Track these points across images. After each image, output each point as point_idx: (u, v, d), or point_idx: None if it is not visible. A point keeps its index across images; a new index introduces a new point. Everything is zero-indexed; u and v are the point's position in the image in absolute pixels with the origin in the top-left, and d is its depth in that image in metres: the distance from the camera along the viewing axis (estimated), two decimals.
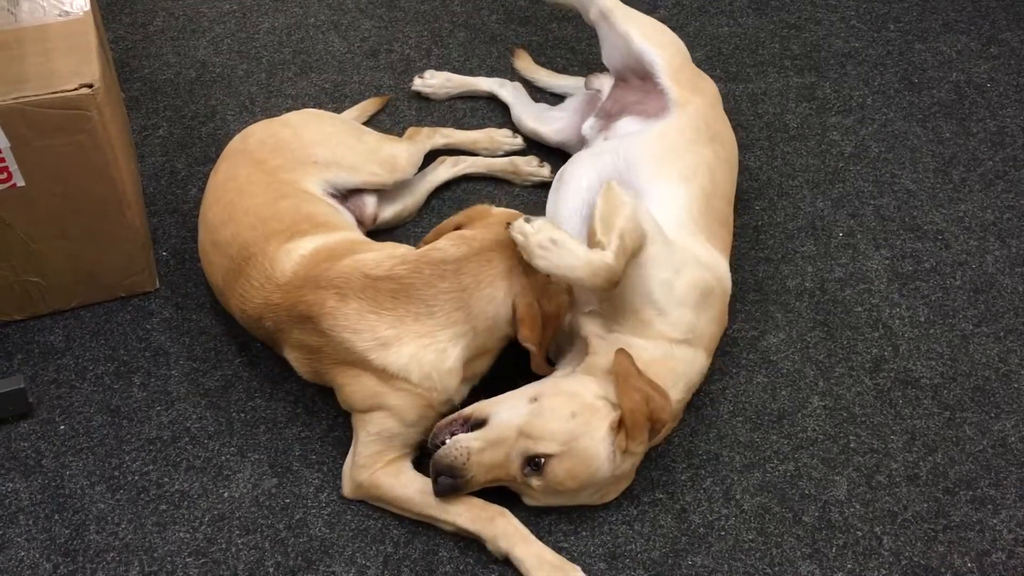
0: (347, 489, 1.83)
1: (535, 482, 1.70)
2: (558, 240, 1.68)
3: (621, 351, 1.74)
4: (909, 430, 1.97)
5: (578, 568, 1.73)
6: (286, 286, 1.81)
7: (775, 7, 2.94)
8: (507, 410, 1.73)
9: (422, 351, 1.73)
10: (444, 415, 1.77)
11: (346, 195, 2.12)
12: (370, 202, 2.17)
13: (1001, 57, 2.80)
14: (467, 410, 1.76)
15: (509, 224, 1.74)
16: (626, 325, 1.82)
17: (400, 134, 2.39)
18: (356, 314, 1.74)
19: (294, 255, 1.84)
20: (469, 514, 1.75)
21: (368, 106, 2.54)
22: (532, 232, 1.69)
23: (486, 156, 2.44)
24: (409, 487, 1.78)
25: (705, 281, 1.86)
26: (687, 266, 1.84)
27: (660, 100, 2.16)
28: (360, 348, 1.73)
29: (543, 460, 1.68)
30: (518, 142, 2.47)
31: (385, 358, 1.73)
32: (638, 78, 2.24)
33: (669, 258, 1.82)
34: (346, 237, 1.91)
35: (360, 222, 2.13)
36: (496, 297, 1.74)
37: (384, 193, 2.22)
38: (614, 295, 1.79)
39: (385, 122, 2.55)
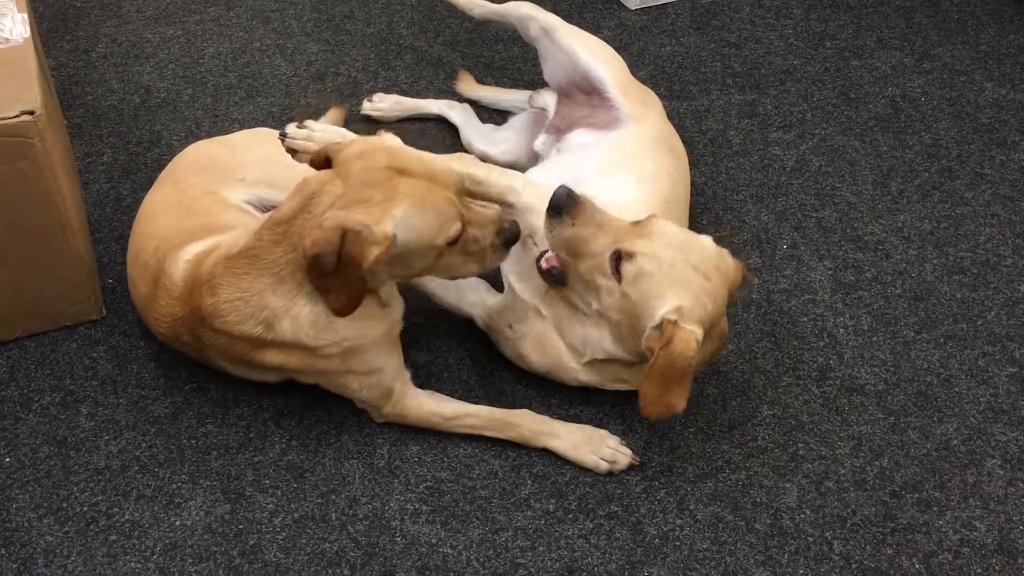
0: (377, 418, 1.95)
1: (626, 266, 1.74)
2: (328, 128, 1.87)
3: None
4: (855, 436, 2.01)
5: (606, 434, 1.92)
6: (180, 296, 1.81)
7: (716, 27, 3.01)
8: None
9: (295, 320, 1.73)
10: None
11: None
12: None
13: (934, 72, 2.90)
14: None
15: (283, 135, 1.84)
16: None
17: None
18: (230, 306, 1.73)
19: (180, 263, 1.82)
20: (492, 423, 1.92)
21: (333, 116, 2.52)
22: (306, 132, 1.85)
23: None
24: (433, 416, 1.92)
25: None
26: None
27: (610, 112, 2.19)
28: (256, 334, 1.74)
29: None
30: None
31: (280, 335, 1.74)
32: (583, 93, 2.27)
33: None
34: (232, 234, 1.83)
35: None
36: None
37: None
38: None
39: None
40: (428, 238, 1.69)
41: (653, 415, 1.75)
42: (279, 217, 1.70)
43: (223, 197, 1.99)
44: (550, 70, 2.34)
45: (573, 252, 1.78)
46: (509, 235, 1.80)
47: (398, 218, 1.64)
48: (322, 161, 1.75)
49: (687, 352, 1.67)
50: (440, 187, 1.71)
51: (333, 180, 1.68)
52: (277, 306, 1.72)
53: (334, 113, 2.54)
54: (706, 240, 1.79)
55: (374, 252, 1.62)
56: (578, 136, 2.22)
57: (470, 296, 2.05)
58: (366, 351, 1.82)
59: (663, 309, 1.71)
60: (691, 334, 1.69)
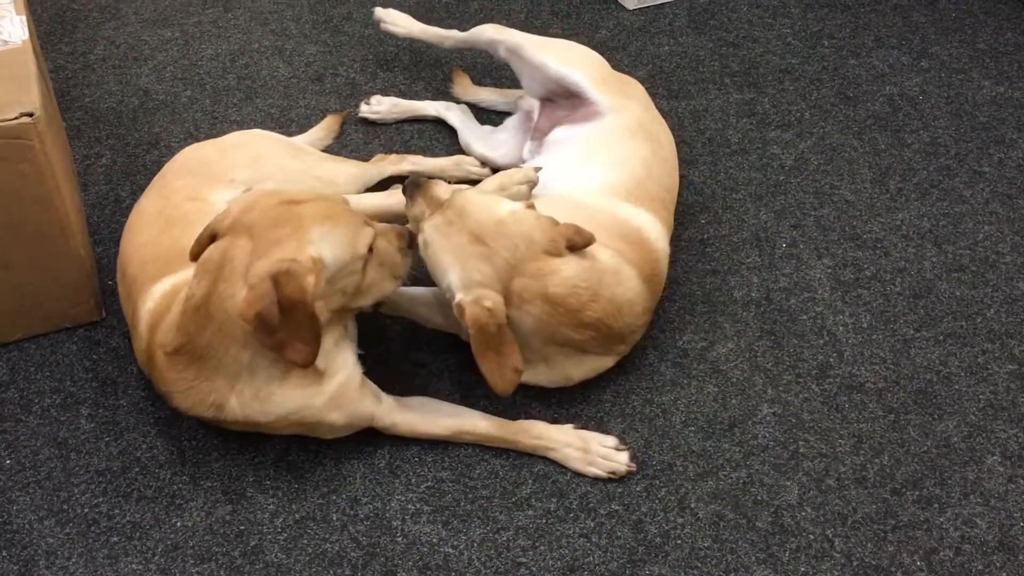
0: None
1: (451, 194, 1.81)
2: None
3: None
4: (856, 434, 2.01)
5: (604, 437, 1.91)
6: (144, 347, 1.79)
7: (713, 26, 3.01)
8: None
9: (241, 398, 1.71)
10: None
11: None
12: None
13: (932, 70, 2.90)
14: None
15: None
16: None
17: (348, 157, 2.39)
18: (179, 394, 1.73)
19: (150, 302, 1.79)
20: (489, 439, 1.91)
21: (331, 124, 2.52)
22: None
23: (455, 183, 2.44)
24: (426, 435, 1.91)
25: (585, 208, 1.95)
26: (554, 204, 1.92)
27: (590, 109, 2.21)
28: (210, 415, 1.74)
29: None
30: (486, 171, 2.45)
31: (232, 415, 1.72)
32: (563, 98, 2.28)
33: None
34: (188, 276, 1.74)
35: None
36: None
37: None
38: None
39: (332, 146, 2.55)
40: (350, 249, 1.67)
41: (506, 389, 1.77)
42: (194, 303, 1.64)
43: (208, 201, 1.96)
44: (527, 85, 2.37)
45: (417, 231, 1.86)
46: (409, 237, 1.83)
47: (317, 239, 1.62)
48: (207, 241, 1.68)
49: (482, 317, 1.71)
50: (336, 204, 1.71)
51: (234, 241, 1.62)
52: (222, 388, 1.70)
53: (331, 121, 2.54)
54: (498, 205, 1.78)
55: (311, 281, 1.58)
56: (557, 133, 2.23)
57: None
58: (321, 417, 1.78)
59: (445, 281, 1.78)
60: (473, 302, 1.72)
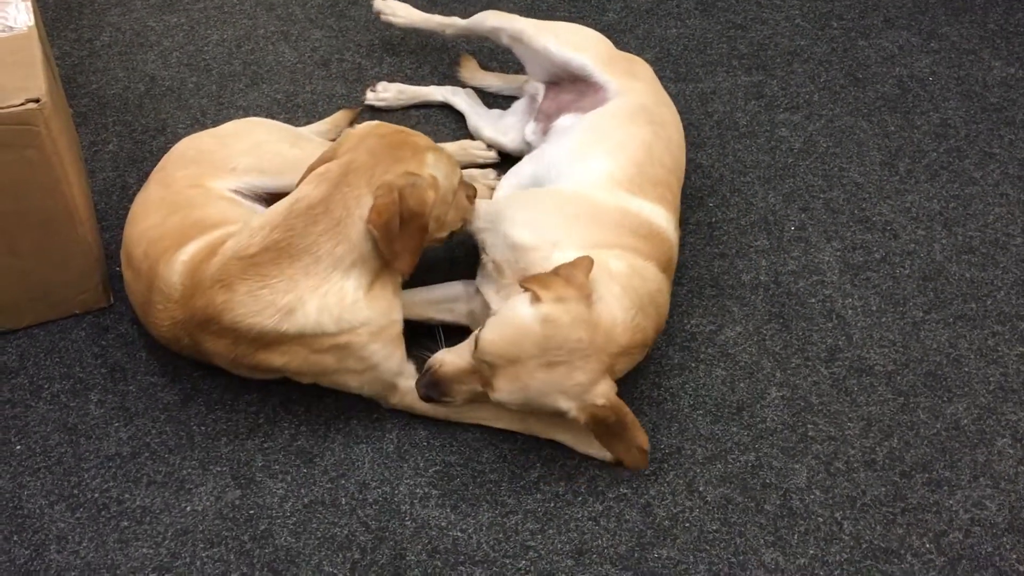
0: (385, 405, 1.95)
1: (478, 363, 1.69)
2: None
3: (524, 281, 1.75)
4: (865, 417, 2.01)
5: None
6: (180, 300, 1.80)
7: (721, 8, 2.99)
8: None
9: (324, 299, 1.74)
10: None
11: (270, 200, 2.05)
12: None
13: (942, 51, 2.87)
14: None
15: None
16: (531, 266, 1.85)
17: None
18: (249, 297, 1.73)
19: (177, 266, 1.81)
20: (500, 416, 1.91)
21: (339, 119, 2.51)
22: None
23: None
24: (439, 409, 1.90)
25: (590, 209, 1.91)
26: (557, 202, 1.93)
27: (599, 94, 2.19)
28: (270, 326, 1.74)
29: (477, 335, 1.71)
30: (492, 155, 2.44)
31: (297, 323, 1.74)
32: (569, 81, 2.26)
33: (517, 204, 1.95)
34: (225, 231, 1.84)
35: None
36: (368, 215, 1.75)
37: None
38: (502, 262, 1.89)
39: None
40: (451, 179, 1.86)
41: (638, 466, 1.81)
42: (310, 202, 1.74)
43: (209, 188, 1.97)
44: (532, 69, 2.35)
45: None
46: (471, 190, 1.96)
47: (431, 163, 1.82)
48: (321, 165, 1.83)
49: (599, 415, 1.71)
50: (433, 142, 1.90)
51: (355, 157, 1.78)
52: (305, 287, 1.73)
53: (342, 116, 2.52)
54: (521, 324, 1.68)
55: (431, 196, 1.77)
56: (563, 121, 2.22)
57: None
58: (366, 344, 1.80)
59: (556, 409, 1.72)
60: (583, 409, 1.70)
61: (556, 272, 1.73)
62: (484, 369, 1.69)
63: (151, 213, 1.95)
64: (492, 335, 1.68)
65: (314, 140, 2.25)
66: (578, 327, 1.67)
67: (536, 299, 1.67)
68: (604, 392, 1.70)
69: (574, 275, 1.71)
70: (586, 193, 1.96)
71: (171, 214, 1.92)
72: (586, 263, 1.74)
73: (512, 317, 1.68)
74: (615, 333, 1.73)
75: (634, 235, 1.91)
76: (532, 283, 1.71)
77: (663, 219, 1.98)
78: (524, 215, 1.92)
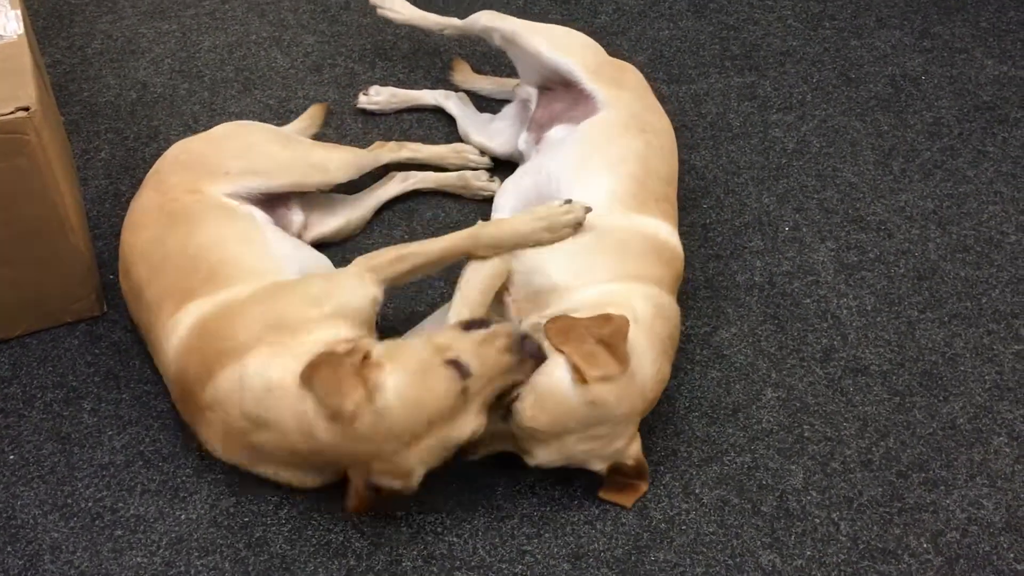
0: None
1: (513, 427, 1.69)
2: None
3: (549, 321, 1.73)
4: (861, 417, 2.00)
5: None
6: (174, 367, 1.77)
7: (713, 9, 2.99)
8: None
9: None
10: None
11: (266, 201, 2.06)
12: (296, 220, 2.14)
13: (934, 50, 2.87)
14: None
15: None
16: (558, 305, 1.84)
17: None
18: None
19: (187, 321, 1.76)
20: None
21: (315, 113, 2.51)
22: None
23: (452, 170, 2.42)
24: None
25: (612, 239, 1.89)
26: (581, 243, 1.89)
27: (588, 104, 2.18)
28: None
29: (513, 398, 1.67)
30: (485, 160, 2.43)
31: None
32: (561, 86, 2.26)
33: (546, 249, 1.88)
34: (224, 303, 1.75)
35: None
36: None
37: (322, 208, 2.23)
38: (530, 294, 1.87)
39: (331, 136, 2.54)
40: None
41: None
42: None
43: (206, 194, 1.95)
44: (524, 72, 2.35)
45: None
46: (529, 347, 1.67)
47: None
48: None
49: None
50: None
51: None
52: None
53: (315, 110, 2.52)
54: (564, 399, 1.68)
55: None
56: (555, 133, 2.22)
57: None
58: None
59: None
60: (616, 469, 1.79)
61: (595, 334, 1.68)
62: (520, 435, 1.71)
63: (150, 223, 1.92)
64: (534, 411, 1.67)
65: (303, 140, 2.25)
66: (622, 403, 1.70)
67: (580, 378, 1.65)
68: (635, 452, 1.78)
69: (617, 346, 1.67)
70: (599, 224, 1.92)
71: (169, 228, 1.89)
72: (624, 328, 1.69)
73: (555, 394, 1.67)
74: (646, 390, 1.76)
75: (655, 259, 1.91)
76: (574, 355, 1.65)
77: (670, 234, 1.99)
78: (560, 260, 1.88)
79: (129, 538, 1.79)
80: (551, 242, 1.88)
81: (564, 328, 1.70)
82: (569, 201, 1.90)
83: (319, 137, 2.49)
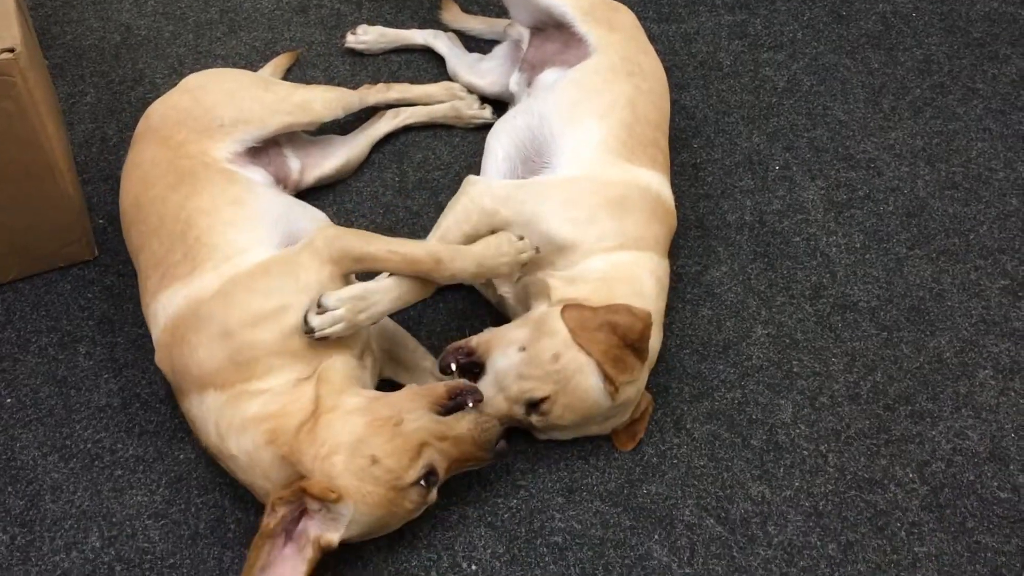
0: None
1: (538, 420, 1.74)
2: (361, 294, 1.69)
3: (564, 309, 1.74)
4: (849, 352, 2.03)
5: None
6: (158, 345, 1.76)
7: None
8: (501, 359, 1.75)
9: None
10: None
11: (262, 151, 2.05)
12: (294, 166, 2.13)
13: None
14: (473, 341, 1.78)
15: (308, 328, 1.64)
16: (560, 264, 1.85)
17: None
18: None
19: (163, 313, 1.75)
20: None
21: (281, 62, 2.49)
22: (335, 315, 1.65)
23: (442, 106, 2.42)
24: None
25: (611, 193, 1.89)
26: (580, 192, 1.89)
27: (580, 47, 2.16)
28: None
29: (542, 401, 1.72)
30: (474, 99, 2.42)
31: None
32: (553, 27, 2.24)
33: (546, 199, 1.88)
34: (194, 299, 1.72)
35: (282, 183, 2.09)
36: None
37: (318, 151, 2.21)
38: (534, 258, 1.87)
39: (319, 78, 2.52)
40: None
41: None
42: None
43: (211, 157, 1.91)
44: (515, 12, 2.33)
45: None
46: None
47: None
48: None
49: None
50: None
51: None
52: None
53: (282, 60, 2.49)
54: (593, 400, 1.74)
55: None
56: (546, 76, 2.20)
57: None
58: None
59: None
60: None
61: (615, 326, 1.70)
62: (540, 425, 1.76)
63: (156, 180, 1.87)
64: (563, 412, 1.73)
65: (280, 82, 2.22)
66: (639, 389, 1.81)
67: (612, 387, 1.71)
68: (642, 408, 1.88)
69: (642, 350, 1.73)
70: (595, 177, 1.92)
71: (175, 186, 1.84)
72: (648, 329, 1.72)
73: (587, 400, 1.73)
74: (652, 363, 1.85)
75: (651, 216, 1.91)
76: (605, 364, 1.69)
77: (663, 186, 1.99)
78: (560, 210, 1.87)
79: (129, 478, 1.81)
80: (509, 273, 1.85)
81: (584, 321, 1.72)
82: (521, 238, 1.86)
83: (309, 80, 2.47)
